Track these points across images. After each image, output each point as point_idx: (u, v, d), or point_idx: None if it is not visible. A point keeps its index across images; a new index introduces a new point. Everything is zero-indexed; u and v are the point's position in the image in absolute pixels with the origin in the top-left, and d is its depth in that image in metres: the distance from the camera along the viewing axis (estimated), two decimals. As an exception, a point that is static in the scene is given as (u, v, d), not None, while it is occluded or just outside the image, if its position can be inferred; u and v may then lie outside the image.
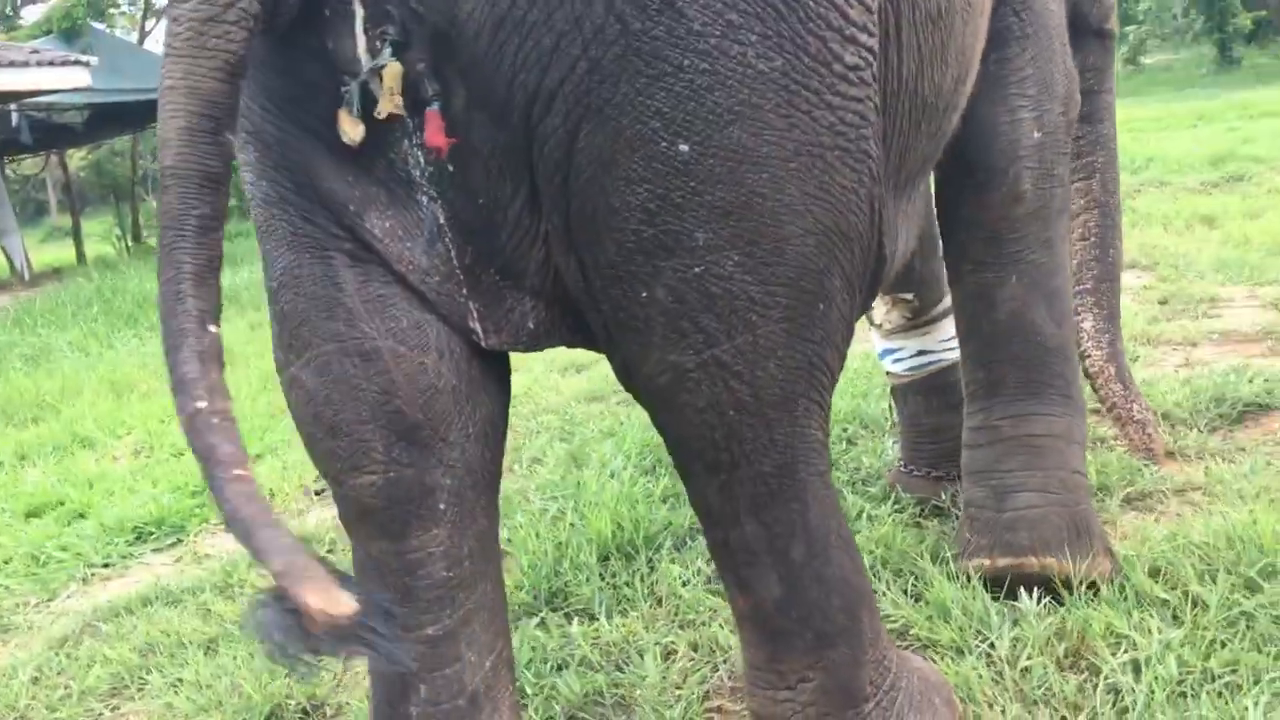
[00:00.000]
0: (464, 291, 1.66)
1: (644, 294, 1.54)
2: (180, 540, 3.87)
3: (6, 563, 3.76)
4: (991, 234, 2.29)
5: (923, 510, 2.86)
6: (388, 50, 1.46)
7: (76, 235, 20.43)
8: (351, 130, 1.53)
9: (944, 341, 2.85)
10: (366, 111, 1.53)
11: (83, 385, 6.62)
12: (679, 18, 1.36)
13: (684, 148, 1.42)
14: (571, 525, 3.05)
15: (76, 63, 11.57)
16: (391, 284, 1.64)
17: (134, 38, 22.18)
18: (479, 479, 1.78)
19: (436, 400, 1.68)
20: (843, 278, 1.60)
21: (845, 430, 3.55)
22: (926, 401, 2.92)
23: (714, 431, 1.62)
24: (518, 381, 5.11)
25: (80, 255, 19.88)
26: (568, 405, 4.74)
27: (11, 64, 10.75)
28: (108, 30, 17.95)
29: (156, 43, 21.94)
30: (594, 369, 5.40)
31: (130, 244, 20.56)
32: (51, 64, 11.35)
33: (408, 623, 1.71)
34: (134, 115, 18.17)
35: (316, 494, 4.14)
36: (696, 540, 2.91)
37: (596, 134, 1.44)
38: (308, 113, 1.58)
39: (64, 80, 11.45)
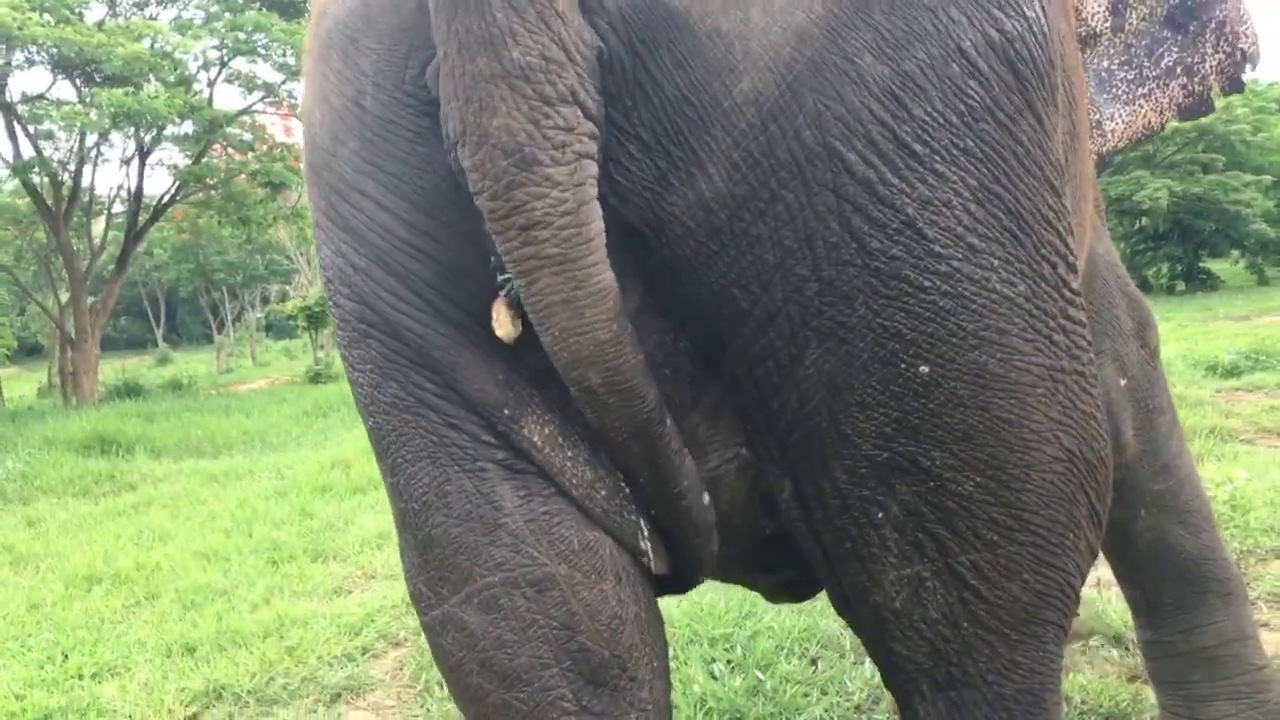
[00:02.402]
0: (633, 508, 1.49)
1: (879, 515, 1.43)
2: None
3: None
4: None
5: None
6: None
7: None
8: (510, 325, 1.36)
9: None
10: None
11: None
12: (919, 238, 1.31)
13: (924, 369, 1.35)
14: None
15: None
16: (555, 498, 1.45)
17: None
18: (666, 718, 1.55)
19: (623, 633, 1.47)
20: (1089, 505, 1.53)
21: (806, 649, 3.43)
22: None
23: (948, 644, 1.50)
24: (390, 594, 4.75)
25: None
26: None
27: None
28: None
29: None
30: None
31: None
32: None
33: None
34: None
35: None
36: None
37: (827, 358, 1.35)
38: (451, 303, 1.41)
39: None
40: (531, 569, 1.42)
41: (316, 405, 14.21)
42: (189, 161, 19.69)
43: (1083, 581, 1.56)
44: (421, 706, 3.46)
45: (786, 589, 1.78)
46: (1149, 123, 2.49)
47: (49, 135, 19.74)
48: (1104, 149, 2.49)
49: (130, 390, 19.51)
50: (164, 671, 4.03)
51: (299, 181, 18.89)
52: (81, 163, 19.65)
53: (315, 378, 22.65)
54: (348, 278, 1.46)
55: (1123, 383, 2.26)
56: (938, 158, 1.29)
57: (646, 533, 1.49)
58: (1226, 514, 4.31)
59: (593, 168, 1.26)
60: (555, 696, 1.42)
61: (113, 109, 15.07)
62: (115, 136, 19.41)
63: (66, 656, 4.29)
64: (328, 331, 26.88)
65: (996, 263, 1.34)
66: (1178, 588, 2.36)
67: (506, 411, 1.41)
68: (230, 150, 20.01)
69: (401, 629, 4.32)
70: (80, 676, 4.07)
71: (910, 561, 1.44)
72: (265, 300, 43.52)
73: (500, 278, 1.36)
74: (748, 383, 1.40)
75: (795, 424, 1.40)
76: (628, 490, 1.47)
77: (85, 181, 20.31)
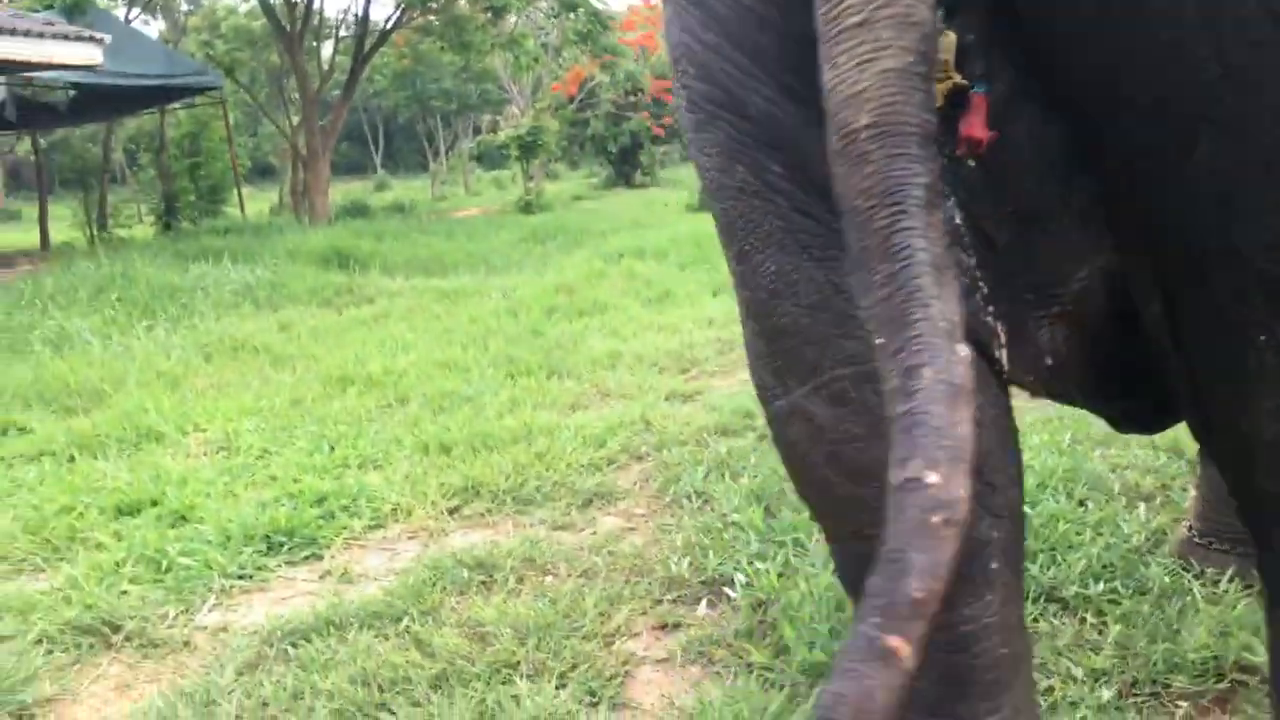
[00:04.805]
0: (989, 309, 1.38)
1: (1260, 337, 1.27)
2: (315, 555, 3.49)
3: (119, 566, 3.35)
4: None
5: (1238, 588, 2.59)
6: (939, 14, 1.18)
7: (43, 220, 19.77)
8: None
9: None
10: None
11: (124, 375, 6.16)
12: None
13: None
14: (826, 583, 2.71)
15: (90, 39, 11.07)
16: None
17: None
18: (1020, 530, 1.49)
19: (979, 434, 1.39)
20: None
21: (1071, 489, 3.30)
22: None
23: None
24: (628, 411, 4.84)
25: (44, 241, 19.20)
26: (699, 437, 4.43)
27: (27, 33, 10.23)
28: (107, 9, 17.42)
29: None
30: (704, 399, 5.13)
31: (96, 233, 19.84)
32: (66, 38, 10.83)
33: (962, 714, 1.40)
34: (124, 101, 17.61)
35: (450, 512, 3.79)
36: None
37: (1222, 155, 1.17)
38: (801, 80, 1.26)
39: (76, 56, 10.93)
40: None
41: (534, 232, 14.51)
42: (413, -14, 19.94)
43: None
44: (673, 517, 3.52)
45: (1133, 419, 1.66)
46: None
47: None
48: None
49: (358, 211, 20.38)
50: (423, 467, 4.25)
51: (519, 6, 18.94)
52: (314, -15, 20.18)
53: (526, 207, 23.12)
54: (696, 56, 1.38)
55: None
56: None
57: (1003, 340, 1.39)
58: None
59: None
60: None
61: (345, -71, 15.26)
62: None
63: (332, 448, 4.58)
64: (538, 162, 27.27)
65: None
66: None
67: None
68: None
69: (643, 445, 4.40)
70: (346, 466, 4.34)
71: None
72: (477, 130, 44.33)
73: None
74: (1124, 180, 1.25)
75: (1175, 229, 1.24)
76: (986, 292, 1.37)
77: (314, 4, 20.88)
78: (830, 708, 0.86)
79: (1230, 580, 2.58)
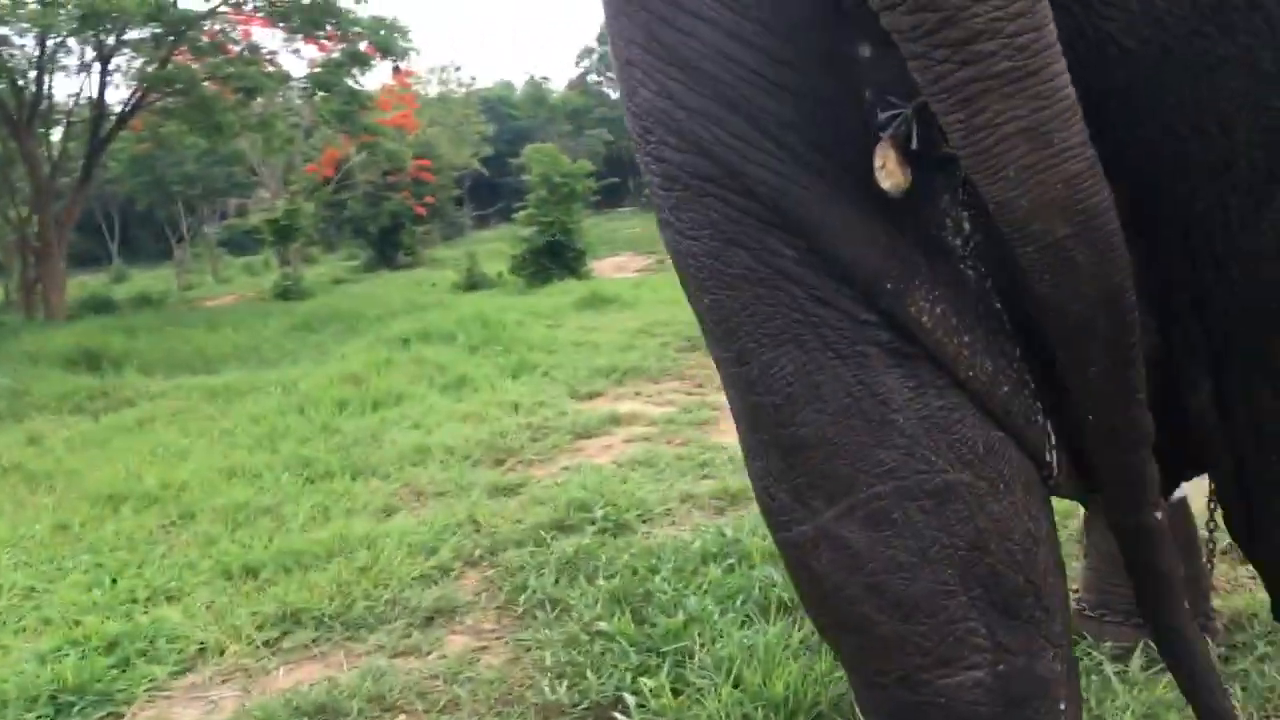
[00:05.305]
0: (1040, 409, 1.21)
1: None
2: (114, 714, 2.97)
3: None
4: None
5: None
6: None
7: None
8: (897, 175, 1.08)
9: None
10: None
11: None
12: None
13: None
14: (736, 689, 2.48)
15: None
16: (951, 391, 1.17)
17: None
18: (1075, 660, 1.30)
19: (1037, 554, 1.20)
20: None
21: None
22: None
23: None
24: (451, 512, 4.48)
25: None
26: (537, 536, 4.11)
27: None
28: None
29: None
30: (528, 491, 4.83)
31: None
32: None
33: None
34: None
35: (268, 645, 3.34)
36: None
37: None
38: (816, 149, 1.12)
39: None
40: (930, 476, 1.15)
41: (305, 320, 13.82)
42: (154, 66, 18.86)
43: None
44: (529, 631, 3.20)
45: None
46: None
47: (3, 40, 18.84)
48: None
49: (99, 305, 18.90)
50: (228, 595, 3.75)
51: (272, 87, 18.21)
52: (41, 69, 18.79)
53: (285, 293, 22.11)
54: (676, 123, 1.16)
55: None
56: None
57: (1054, 441, 1.22)
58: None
59: None
60: (965, 630, 1.16)
61: (80, 9, 14.31)
62: (71, 41, 18.60)
63: (114, 580, 4.00)
64: (295, 245, 26.23)
65: None
66: None
67: (889, 285, 1.13)
68: (191, 56, 19.18)
69: (476, 548, 4.06)
70: (134, 600, 3.78)
71: None
72: (223, 215, 42.45)
73: (882, 115, 1.07)
74: (1179, 246, 1.12)
75: (1236, 307, 1.12)
76: (1033, 387, 1.19)
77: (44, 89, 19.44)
78: None
79: (1138, 655, 2.52)
